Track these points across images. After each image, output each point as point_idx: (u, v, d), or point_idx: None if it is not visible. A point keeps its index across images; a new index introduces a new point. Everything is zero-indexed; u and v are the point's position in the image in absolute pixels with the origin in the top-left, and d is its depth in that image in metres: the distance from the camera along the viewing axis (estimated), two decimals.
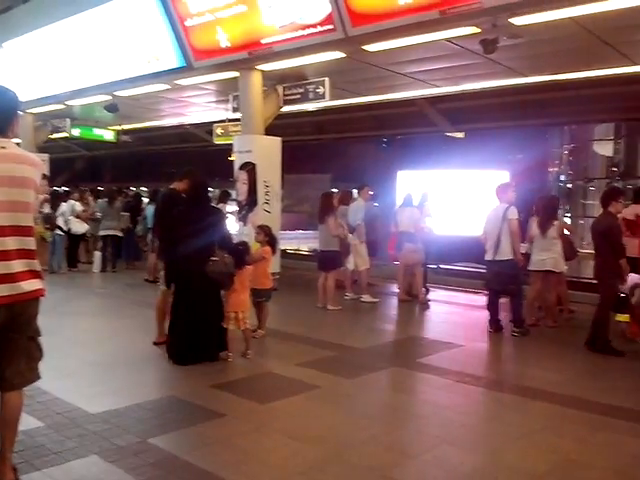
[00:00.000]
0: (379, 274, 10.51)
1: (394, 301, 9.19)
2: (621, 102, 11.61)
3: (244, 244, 6.03)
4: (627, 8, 6.23)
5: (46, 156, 14.03)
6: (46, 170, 12.65)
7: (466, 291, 9.96)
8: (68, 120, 15.02)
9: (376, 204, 10.62)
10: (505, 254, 6.72)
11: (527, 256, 7.25)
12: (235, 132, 11.99)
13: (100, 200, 12.44)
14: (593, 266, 6.36)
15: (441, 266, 11.75)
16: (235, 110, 10.68)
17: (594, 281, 6.55)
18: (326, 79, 9.42)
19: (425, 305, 8.76)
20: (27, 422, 3.64)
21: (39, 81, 13.11)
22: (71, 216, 11.25)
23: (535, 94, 11.38)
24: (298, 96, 9.91)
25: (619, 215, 6.47)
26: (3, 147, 2.86)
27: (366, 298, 8.91)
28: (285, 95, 10.11)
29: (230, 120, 12.57)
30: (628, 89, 10.61)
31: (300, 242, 18.14)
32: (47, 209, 10.64)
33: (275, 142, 9.89)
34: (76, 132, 15.79)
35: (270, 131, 10.01)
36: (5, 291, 2.78)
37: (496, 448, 3.80)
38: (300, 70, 9.49)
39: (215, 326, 5.48)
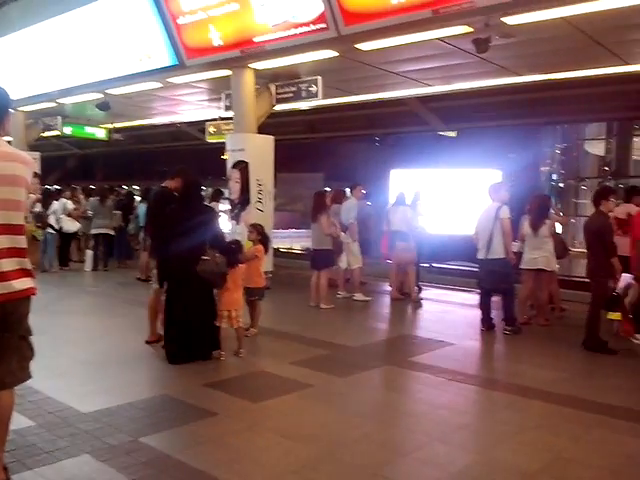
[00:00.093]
0: (372, 273, 10.52)
1: (387, 300, 9.20)
2: (613, 101, 11.70)
3: (237, 243, 6.02)
4: (618, 8, 6.27)
5: (37, 154, 13.92)
6: (37, 168, 12.52)
7: (458, 290, 9.98)
8: (60, 118, 14.93)
9: (369, 203, 10.63)
10: (497, 253, 6.75)
11: (519, 255, 7.29)
12: (227, 130, 11.94)
13: (92, 198, 12.41)
14: (586, 265, 6.40)
15: (434, 265, 11.80)
16: (227, 108, 10.65)
17: (586, 279, 6.59)
18: (319, 78, 9.40)
19: (417, 304, 8.78)
20: (18, 421, 3.62)
21: (30, 79, 13.01)
22: (63, 214, 11.22)
23: (527, 93, 11.42)
24: (291, 95, 9.89)
25: (610, 214, 6.52)
26: None
27: (359, 297, 8.92)
28: (278, 94, 10.08)
29: (222, 118, 12.52)
30: (620, 89, 10.70)
31: (293, 241, 18.14)
32: (38, 208, 10.59)
33: (268, 141, 9.88)
34: (68, 130, 15.68)
35: (263, 130, 9.99)
36: None
37: (489, 446, 3.81)
38: (293, 69, 9.47)
39: (208, 325, 5.48)
